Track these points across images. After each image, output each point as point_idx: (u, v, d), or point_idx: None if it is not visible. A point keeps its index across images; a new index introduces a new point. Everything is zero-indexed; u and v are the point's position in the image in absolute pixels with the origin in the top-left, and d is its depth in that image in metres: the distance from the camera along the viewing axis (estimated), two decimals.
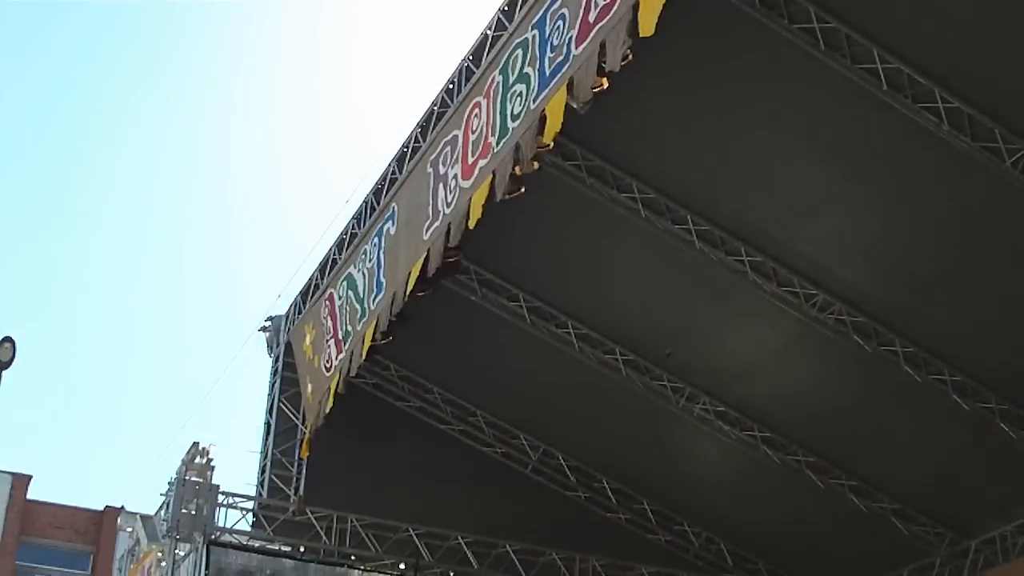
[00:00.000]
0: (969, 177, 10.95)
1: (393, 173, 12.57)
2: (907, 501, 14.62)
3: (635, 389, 14.04)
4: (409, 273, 11.04)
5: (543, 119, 9.15)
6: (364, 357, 12.11)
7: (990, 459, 13.36)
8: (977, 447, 13.26)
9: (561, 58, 9.13)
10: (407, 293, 11.05)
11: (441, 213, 10.71)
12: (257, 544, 14.85)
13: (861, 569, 16.03)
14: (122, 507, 22.91)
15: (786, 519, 15.69)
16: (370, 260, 12.31)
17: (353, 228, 13.41)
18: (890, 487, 14.54)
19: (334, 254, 13.89)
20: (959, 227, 11.54)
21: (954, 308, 12.27)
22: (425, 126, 11.91)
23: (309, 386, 13.79)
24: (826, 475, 14.37)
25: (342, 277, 13.03)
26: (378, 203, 12.71)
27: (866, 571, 16.00)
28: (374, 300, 11.92)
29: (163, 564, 14.24)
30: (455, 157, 10.76)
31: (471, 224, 9.96)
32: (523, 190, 9.83)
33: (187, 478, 14.12)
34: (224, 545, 14.45)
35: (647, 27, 8.03)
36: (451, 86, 11.47)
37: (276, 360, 15.52)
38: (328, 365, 13.05)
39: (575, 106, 8.94)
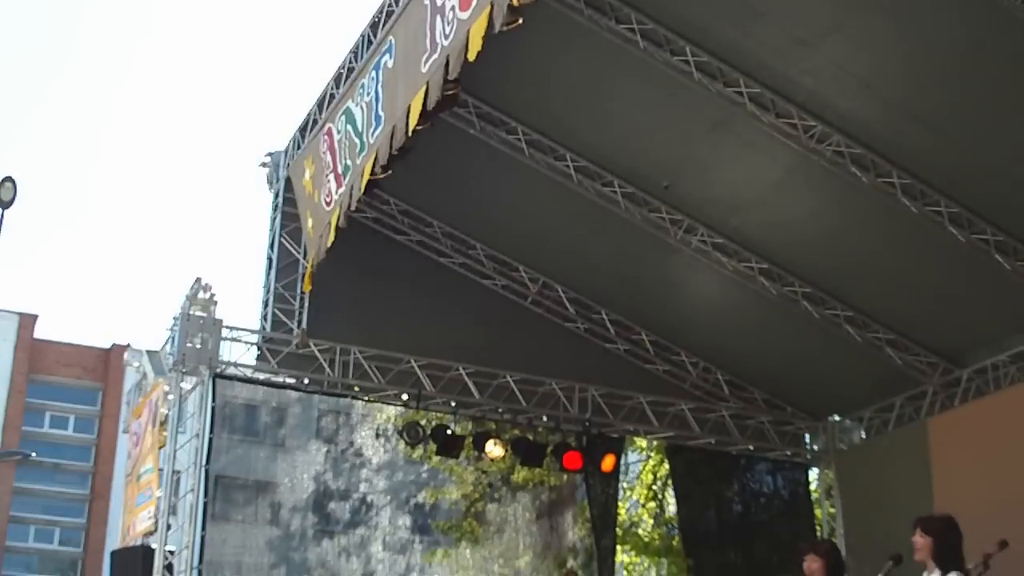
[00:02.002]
0: (971, 6, 10.82)
1: (390, 6, 12.41)
2: (901, 331, 14.78)
3: (633, 221, 14.10)
4: (409, 107, 10.99)
5: None
6: (363, 191, 12.13)
7: (984, 290, 13.45)
8: (971, 278, 13.34)
9: None
10: (408, 128, 11.01)
11: (439, 45, 10.59)
12: (262, 377, 15.05)
13: (855, 398, 16.33)
14: (128, 344, 23.07)
15: (782, 349, 15.90)
16: (368, 94, 12.24)
17: (350, 62, 13.32)
18: (884, 317, 14.69)
19: (332, 89, 13.82)
20: (959, 57, 11.41)
21: (952, 139, 12.20)
22: None
23: (309, 220, 13.85)
24: (822, 306, 14.51)
25: (340, 111, 12.98)
26: (375, 36, 12.60)
27: (859, 400, 16.30)
28: (373, 134, 11.89)
29: (170, 397, 14.44)
30: None
31: (471, 56, 9.86)
32: (521, 21, 9.72)
33: (191, 313, 14.23)
34: (229, 378, 14.63)
35: None
36: None
37: (276, 195, 15.57)
38: (328, 200, 13.08)
39: None
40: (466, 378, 15.29)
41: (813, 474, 17.79)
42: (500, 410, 15.62)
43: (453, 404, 15.44)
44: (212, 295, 14.35)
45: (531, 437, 15.60)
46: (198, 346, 14.16)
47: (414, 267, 15.72)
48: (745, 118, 12.42)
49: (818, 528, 17.22)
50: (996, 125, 11.80)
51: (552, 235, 15.32)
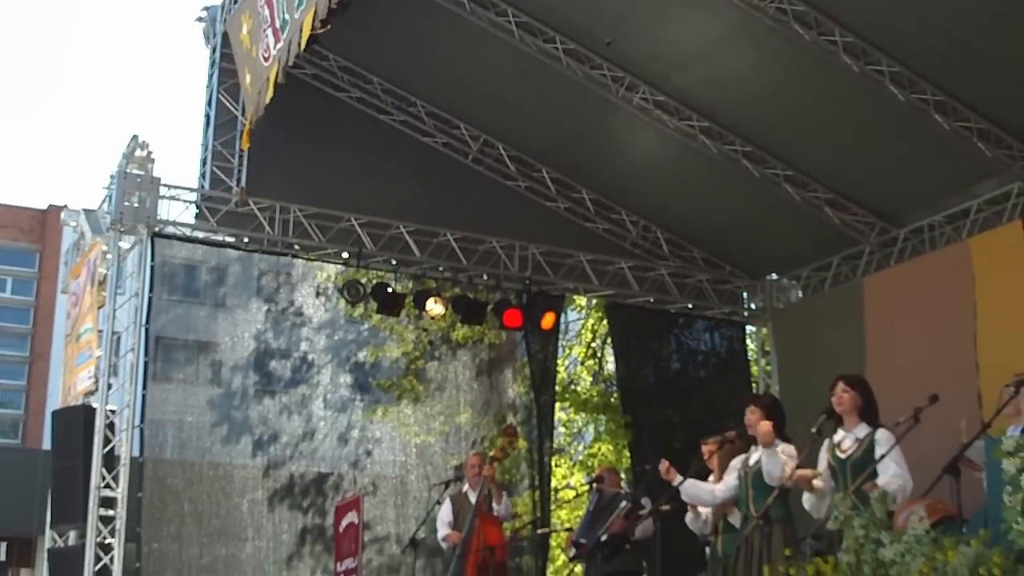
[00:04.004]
0: None
1: None
2: (840, 191, 14.90)
3: (575, 78, 13.98)
4: None
5: None
6: (303, 47, 11.94)
7: (922, 150, 13.53)
8: (910, 138, 13.39)
9: None
10: None
11: None
12: (201, 236, 14.95)
13: (793, 257, 16.52)
14: (65, 205, 22.77)
15: (722, 209, 15.99)
16: None
17: None
18: (824, 177, 14.78)
19: None
20: None
21: None
22: None
23: (248, 76, 13.63)
24: (762, 165, 14.55)
25: None
26: None
27: (797, 259, 16.50)
28: None
29: (108, 257, 14.33)
30: None
31: None
32: None
33: (128, 171, 14.07)
34: (168, 237, 14.51)
35: None
36: None
37: (213, 51, 15.31)
38: (266, 55, 12.85)
39: None
40: (406, 236, 15.28)
41: (750, 331, 18.04)
42: (440, 268, 15.64)
43: (393, 262, 15.43)
44: (149, 153, 14.19)
45: (471, 295, 15.64)
46: (136, 205, 14.03)
47: (354, 124, 15.59)
48: None
49: (754, 385, 17.53)
50: None
51: (493, 92, 15.20)
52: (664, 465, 9.18)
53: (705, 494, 9.25)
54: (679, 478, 9.15)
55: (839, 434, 8.19)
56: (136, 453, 13.91)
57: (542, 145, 15.84)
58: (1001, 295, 13.09)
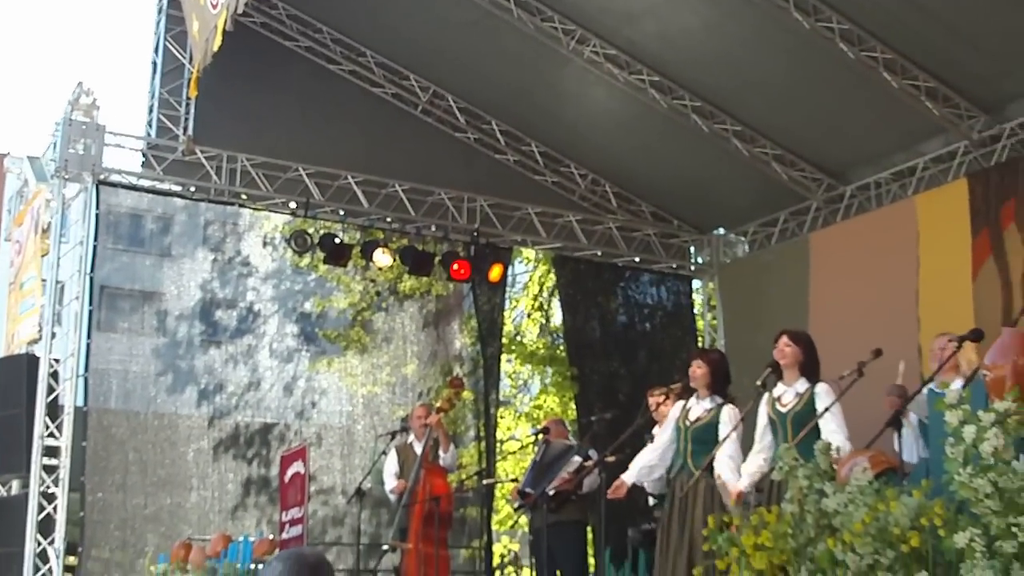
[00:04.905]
0: None
1: None
2: (788, 147, 14.95)
3: (526, 30, 13.89)
4: None
5: None
6: None
7: (870, 108, 13.60)
8: (859, 96, 13.44)
9: None
10: None
11: None
12: (147, 184, 14.82)
13: (740, 212, 16.62)
14: (8, 152, 22.39)
15: (670, 163, 16.04)
16: None
17: None
18: (772, 133, 14.82)
19: None
20: None
21: None
22: None
23: (195, 24, 13.44)
24: (711, 120, 14.57)
25: None
26: None
27: (744, 214, 16.60)
28: None
29: (52, 204, 14.18)
30: None
31: None
32: None
33: (73, 118, 13.92)
34: (114, 185, 14.37)
35: None
36: None
37: None
38: (215, 3, 12.65)
39: None
40: (354, 187, 15.23)
41: (696, 285, 18.14)
42: (388, 219, 15.61)
43: (341, 213, 15.38)
44: (95, 100, 14.05)
45: (419, 246, 15.63)
46: (81, 152, 13.89)
47: (303, 74, 15.46)
48: None
49: (700, 339, 17.64)
50: None
51: (443, 44, 15.10)
52: (612, 488, 9.02)
53: (656, 466, 9.04)
54: (627, 484, 9.01)
55: (779, 388, 8.25)
56: (80, 402, 13.83)
57: (492, 97, 15.80)
58: (943, 253, 13.24)
